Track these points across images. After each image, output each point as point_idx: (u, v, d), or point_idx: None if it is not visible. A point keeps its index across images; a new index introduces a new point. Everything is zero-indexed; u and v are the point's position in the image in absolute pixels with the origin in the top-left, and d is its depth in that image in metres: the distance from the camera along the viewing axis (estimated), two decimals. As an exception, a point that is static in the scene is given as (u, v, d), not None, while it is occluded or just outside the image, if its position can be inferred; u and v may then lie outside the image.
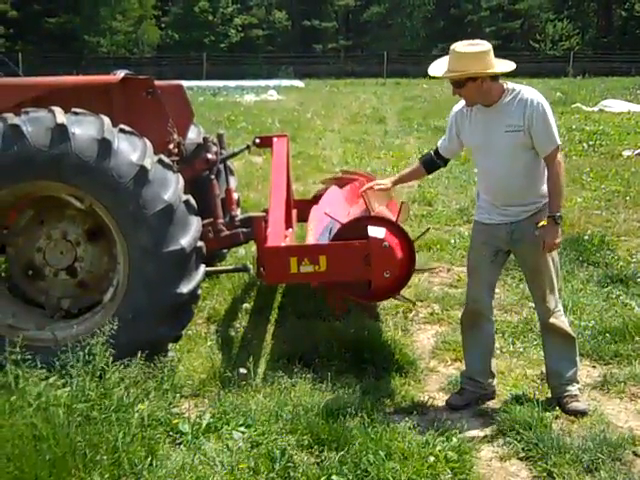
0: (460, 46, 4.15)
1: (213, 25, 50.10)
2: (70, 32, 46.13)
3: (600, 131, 15.78)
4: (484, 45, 4.13)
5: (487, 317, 4.56)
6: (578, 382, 4.47)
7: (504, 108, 4.19)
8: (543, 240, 4.16)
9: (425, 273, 6.82)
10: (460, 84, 4.15)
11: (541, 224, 4.18)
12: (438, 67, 4.27)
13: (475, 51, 4.09)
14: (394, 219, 4.76)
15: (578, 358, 4.52)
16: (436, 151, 4.68)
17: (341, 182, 6.44)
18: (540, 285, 4.37)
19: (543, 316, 4.44)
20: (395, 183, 4.89)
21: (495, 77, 4.19)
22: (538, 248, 4.21)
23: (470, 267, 4.63)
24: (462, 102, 4.41)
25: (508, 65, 4.22)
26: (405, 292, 5.70)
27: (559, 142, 4.19)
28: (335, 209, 5.37)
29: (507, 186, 4.26)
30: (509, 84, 4.24)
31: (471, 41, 4.20)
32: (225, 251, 7.07)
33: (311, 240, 5.26)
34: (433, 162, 4.71)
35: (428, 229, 5.41)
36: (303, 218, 6.43)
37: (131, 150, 4.54)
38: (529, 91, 4.20)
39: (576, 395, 4.38)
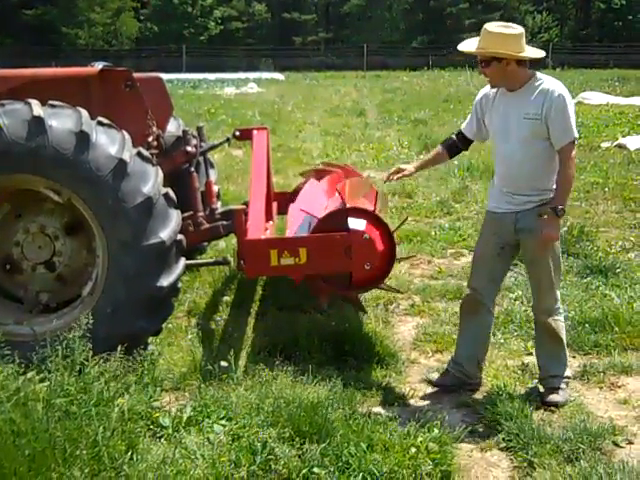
0: (492, 26, 4.20)
1: (192, 17, 49.77)
2: (47, 24, 45.65)
3: (579, 123, 15.76)
4: (516, 29, 4.18)
5: (487, 307, 4.57)
6: (566, 377, 4.46)
7: (525, 95, 4.21)
8: (541, 230, 4.16)
9: (406, 264, 6.84)
10: (487, 63, 4.18)
11: (544, 215, 4.19)
12: (469, 44, 4.31)
13: (505, 33, 4.14)
14: (371, 209, 4.75)
15: (566, 357, 4.51)
16: (458, 135, 4.67)
17: (320, 174, 6.41)
18: (537, 278, 4.38)
19: (539, 314, 4.45)
20: (418, 169, 4.85)
21: (522, 62, 4.21)
22: (537, 240, 4.22)
23: (475, 256, 4.64)
24: (488, 86, 4.43)
25: (537, 52, 4.28)
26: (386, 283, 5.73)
27: (576, 135, 4.18)
28: (312, 203, 5.35)
29: (518, 173, 4.26)
30: (538, 73, 4.25)
31: (505, 23, 4.27)
32: (205, 244, 7.05)
33: (290, 234, 5.24)
34: (456, 146, 4.71)
35: (406, 219, 5.41)
36: (283, 211, 6.41)
37: (109, 143, 4.49)
38: (552, 82, 4.21)
39: (557, 388, 4.39)
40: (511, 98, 4.27)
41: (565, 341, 4.52)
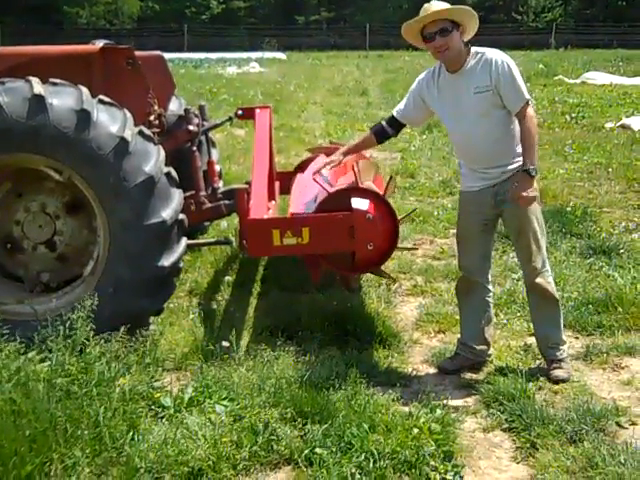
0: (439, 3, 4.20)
1: (194, -4, 49.41)
2: (49, 3, 45.28)
3: (583, 103, 15.77)
4: None
5: (482, 284, 4.56)
6: (565, 343, 4.48)
7: (470, 71, 4.20)
8: (518, 194, 4.13)
9: (408, 245, 6.80)
10: (448, 30, 4.12)
11: (516, 181, 4.17)
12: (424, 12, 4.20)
13: (464, 7, 4.19)
14: (381, 193, 4.71)
15: (562, 320, 4.52)
16: (389, 120, 4.64)
17: (329, 152, 6.34)
18: (526, 245, 4.34)
19: (529, 276, 4.41)
20: (346, 154, 4.84)
21: (466, 43, 4.24)
22: (520, 207, 4.19)
23: (459, 238, 4.61)
24: (426, 72, 4.45)
25: (472, 31, 4.30)
26: (389, 264, 5.70)
27: (528, 97, 4.19)
28: (303, 199, 5.30)
29: (483, 148, 4.26)
30: (472, 48, 4.24)
31: None
32: (207, 224, 7.01)
33: (295, 208, 5.19)
34: (384, 131, 4.67)
35: (414, 210, 5.34)
36: (286, 190, 6.36)
37: (111, 121, 4.44)
38: (492, 52, 4.21)
39: (561, 360, 4.39)
40: (456, 78, 4.25)
41: (560, 303, 4.50)
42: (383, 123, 4.68)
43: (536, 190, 4.18)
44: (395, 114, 4.60)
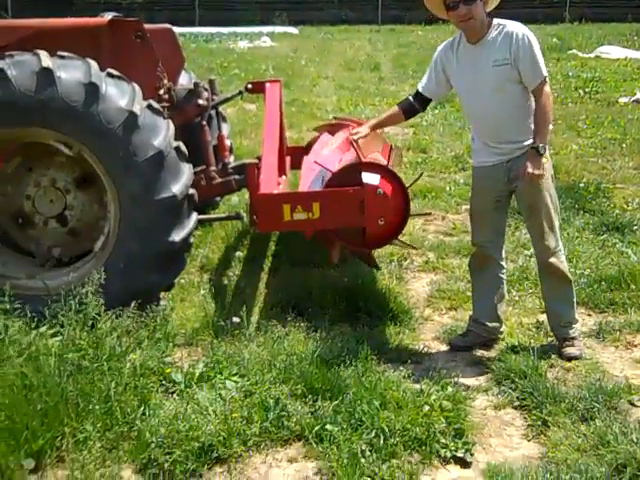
0: None
1: (205, -31, 49.03)
2: (60, -24, 45.09)
3: (596, 78, 15.55)
4: None
5: (496, 260, 4.52)
6: (577, 321, 4.45)
7: (490, 43, 4.15)
8: (524, 170, 4.09)
9: (420, 220, 6.76)
10: (472, 1, 4.05)
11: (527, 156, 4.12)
12: None
13: None
14: (385, 163, 4.65)
15: (575, 299, 4.48)
16: (415, 95, 4.59)
17: (333, 129, 6.29)
18: (538, 222, 4.29)
19: (542, 255, 4.37)
20: (373, 128, 4.81)
21: (487, 14, 4.18)
22: (529, 183, 4.14)
23: (473, 213, 4.57)
24: (446, 42, 4.40)
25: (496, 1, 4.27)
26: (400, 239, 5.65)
27: (546, 74, 4.13)
28: (326, 157, 5.25)
29: (498, 122, 4.21)
30: (495, 19, 4.18)
31: None
32: (218, 199, 6.98)
33: (304, 188, 5.15)
34: (412, 107, 4.62)
35: (421, 174, 5.28)
36: (297, 165, 6.32)
37: (119, 95, 4.40)
38: (514, 25, 4.15)
39: (573, 338, 4.37)
40: (476, 49, 4.20)
41: (572, 282, 4.46)
42: (410, 98, 4.63)
43: (544, 169, 4.12)
44: (420, 89, 4.55)
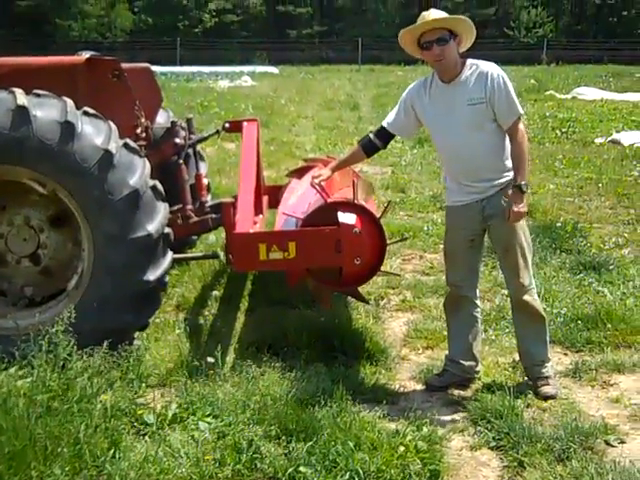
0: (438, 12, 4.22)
1: (187, 9, 49.45)
2: (41, 15, 45.30)
3: (573, 118, 15.80)
4: None
5: (470, 299, 4.53)
6: (549, 360, 4.46)
7: (464, 82, 4.20)
8: (509, 209, 4.11)
9: (397, 260, 6.78)
10: (446, 40, 4.11)
11: (507, 196, 4.16)
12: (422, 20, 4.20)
13: (461, 17, 4.20)
14: (351, 199, 4.62)
15: (548, 337, 4.50)
16: (378, 131, 4.59)
17: (302, 172, 6.27)
18: (514, 260, 4.31)
19: (516, 293, 4.38)
20: (334, 170, 4.81)
21: (461, 54, 4.24)
22: (508, 222, 4.17)
23: (447, 252, 4.59)
24: (418, 81, 4.44)
25: (469, 43, 4.29)
26: (377, 279, 5.66)
27: (521, 112, 4.20)
28: (294, 206, 5.26)
29: (473, 161, 4.23)
30: (468, 59, 4.24)
31: None
32: (195, 238, 6.97)
33: (284, 208, 5.14)
34: (372, 144, 4.63)
35: (389, 203, 5.24)
36: (274, 205, 6.32)
37: (95, 133, 4.41)
38: (487, 65, 4.22)
39: (547, 377, 4.37)
40: (450, 88, 4.24)
41: (546, 320, 4.48)
42: (371, 136, 4.63)
43: (526, 206, 4.17)
44: (385, 125, 4.56)
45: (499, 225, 4.26)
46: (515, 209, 4.10)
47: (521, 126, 4.19)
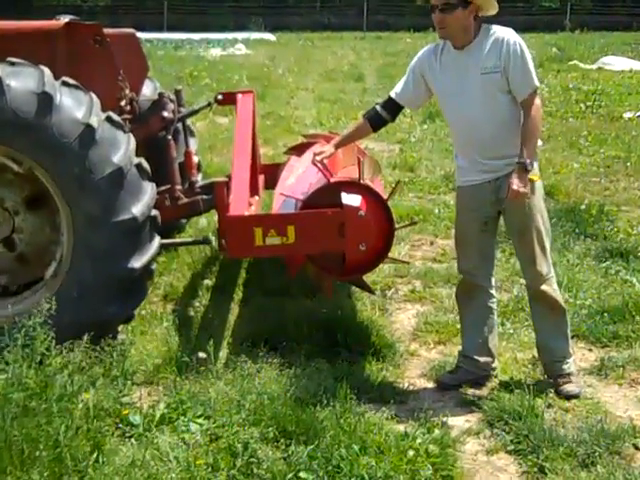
0: None
1: (175, -30, 49.31)
2: (16, -23, 45.18)
3: (599, 91, 15.77)
4: None
5: (484, 289, 4.53)
6: (571, 356, 4.46)
7: (478, 49, 4.18)
8: (508, 186, 4.10)
9: (406, 246, 6.79)
10: (450, 8, 4.07)
11: (530, 177, 4.13)
12: None
13: None
14: (357, 178, 4.63)
15: (569, 331, 4.49)
16: (385, 103, 4.58)
17: (302, 150, 6.26)
18: (529, 246, 4.31)
19: (533, 282, 4.39)
20: (338, 146, 4.79)
21: (477, 17, 4.19)
22: (518, 203, 4.15)
23: (458, 237, 4.59)
24: (429, 47, 4.43)
25: (495, 7, 4.24)
26: (384, 267, 5.66)
27: (537, 84, 4.18)
28: (295, 184, 5.26)
29: (487, 135, 4.22)
30: (484, 25, 4.22)
31: None
32: (184, 221, 6.97)
33: (281, 188, 5.14)
34: (379, 117, 4.60)
35: (398, 182, 5.25)
36: (271, 185, 6.32)
37: (75, 106, 4.40)
38: (504, 30, 4.19)
39: (569, 374, 4.38)
40: (462, 55, 4.23)
41: (567, 312, 4.48)
42: (377, 108, 4.60)
43: (534, 187, 4.17)
44: (393, 95, 4.53)
45: (513, 208, 4.24)
46: (514, 187, 4.06)
47: (537, 101, 4.17)
